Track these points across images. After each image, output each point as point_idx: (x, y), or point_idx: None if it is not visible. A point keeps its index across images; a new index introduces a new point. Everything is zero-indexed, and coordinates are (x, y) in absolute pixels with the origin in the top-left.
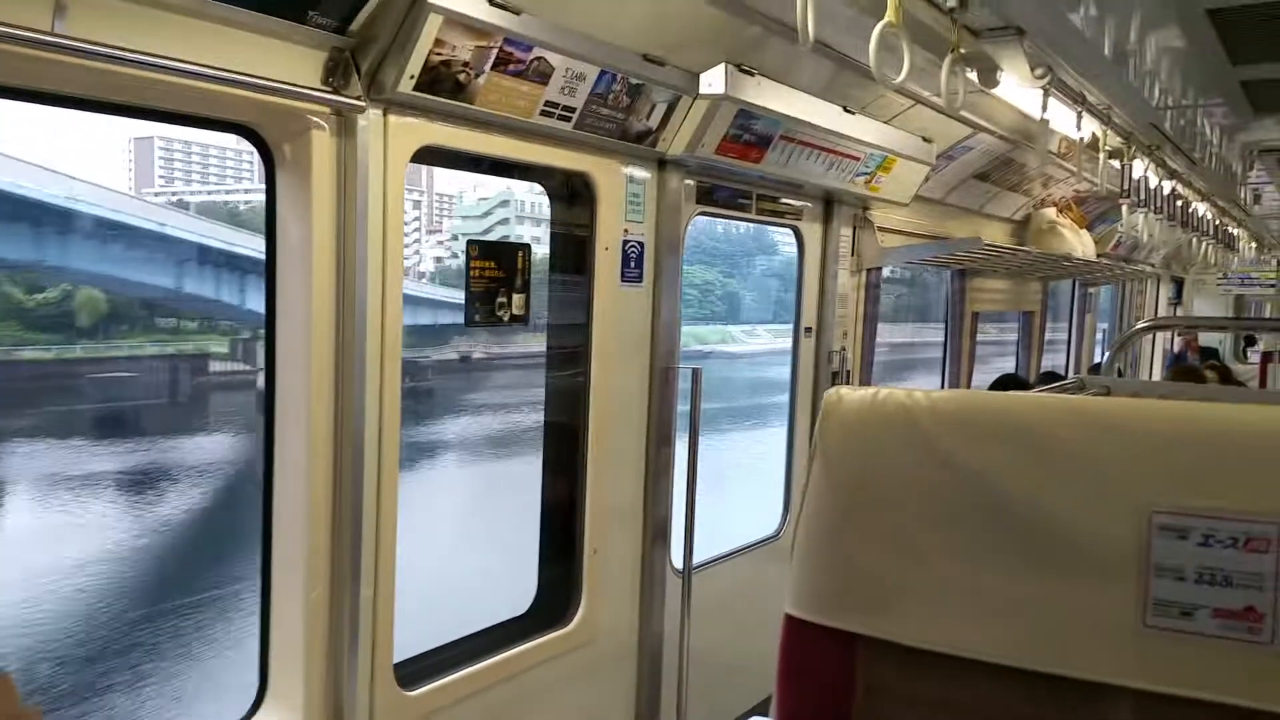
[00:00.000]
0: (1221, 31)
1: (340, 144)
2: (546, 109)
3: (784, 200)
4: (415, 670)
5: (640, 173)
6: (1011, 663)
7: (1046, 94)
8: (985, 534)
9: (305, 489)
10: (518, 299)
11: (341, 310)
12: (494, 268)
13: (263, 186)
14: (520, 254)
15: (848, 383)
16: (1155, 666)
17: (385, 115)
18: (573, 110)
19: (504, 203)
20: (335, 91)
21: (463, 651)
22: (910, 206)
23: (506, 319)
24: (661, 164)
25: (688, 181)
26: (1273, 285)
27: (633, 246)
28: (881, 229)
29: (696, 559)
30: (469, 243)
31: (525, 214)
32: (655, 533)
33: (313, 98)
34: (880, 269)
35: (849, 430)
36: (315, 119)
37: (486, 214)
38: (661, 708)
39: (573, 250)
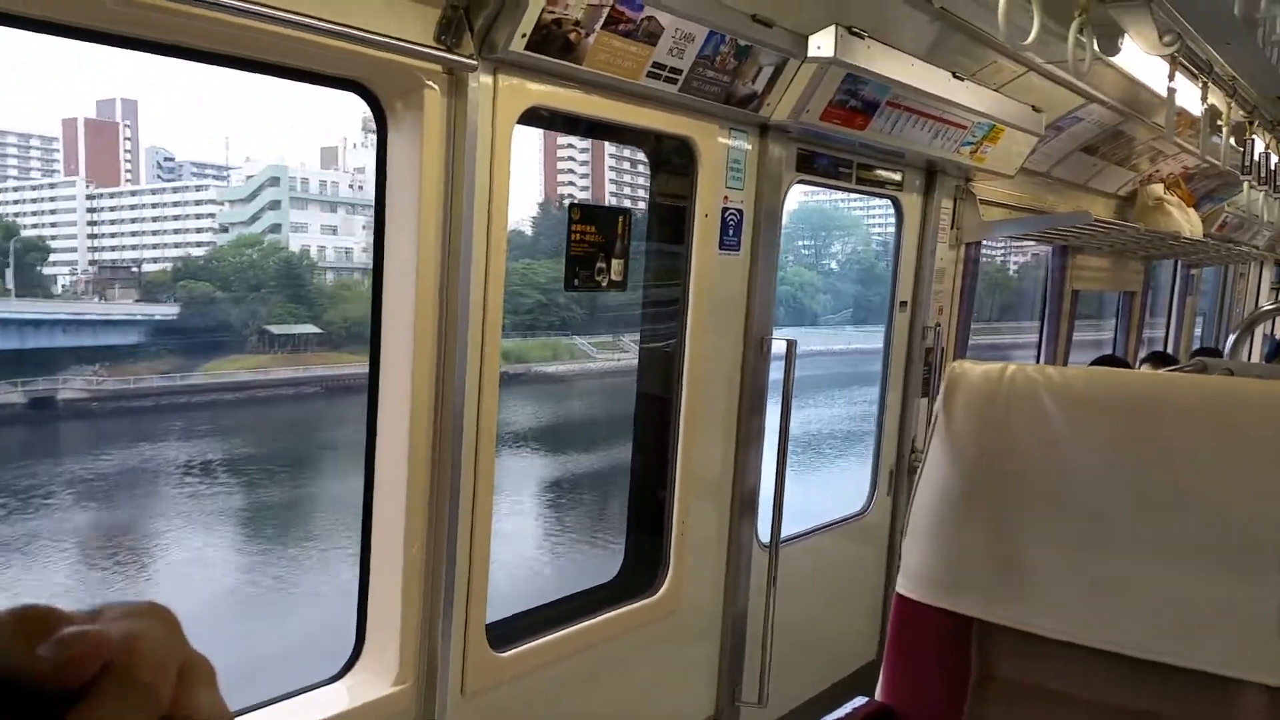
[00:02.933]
0: None
1: (451, 104)
2: (654, 70)
3: (884, 170)
4: (506, 632)
5: (741, 140)
6: (1141, 654)
7: (1174, 63)
8: (1120, 519)
9: (406, 450)
10: (616, 264)
11: (447, 273)
12: (594, 232)
13: None
14: (621, 219)
15: (941, 360)
16: None
17: (495, 75)
18: (679, 72)
19: (274, 180)
20: (448, 50)
21: (551, 616)
22: (1014, 179)
23: (605, 284)
24: (763, 130)
25: (788, 149)
26: None
27: (732, 214)
28: (983, 201)
29: (783, 533)
30: (570, 206)
31: (307, 195)
32: (743, 505)
33: (426, 55)
34: (980, 243)
35: (973, 406)
36: (427, 78)
37: (253, 196)
38: (744, 680)
39: (671, 217)
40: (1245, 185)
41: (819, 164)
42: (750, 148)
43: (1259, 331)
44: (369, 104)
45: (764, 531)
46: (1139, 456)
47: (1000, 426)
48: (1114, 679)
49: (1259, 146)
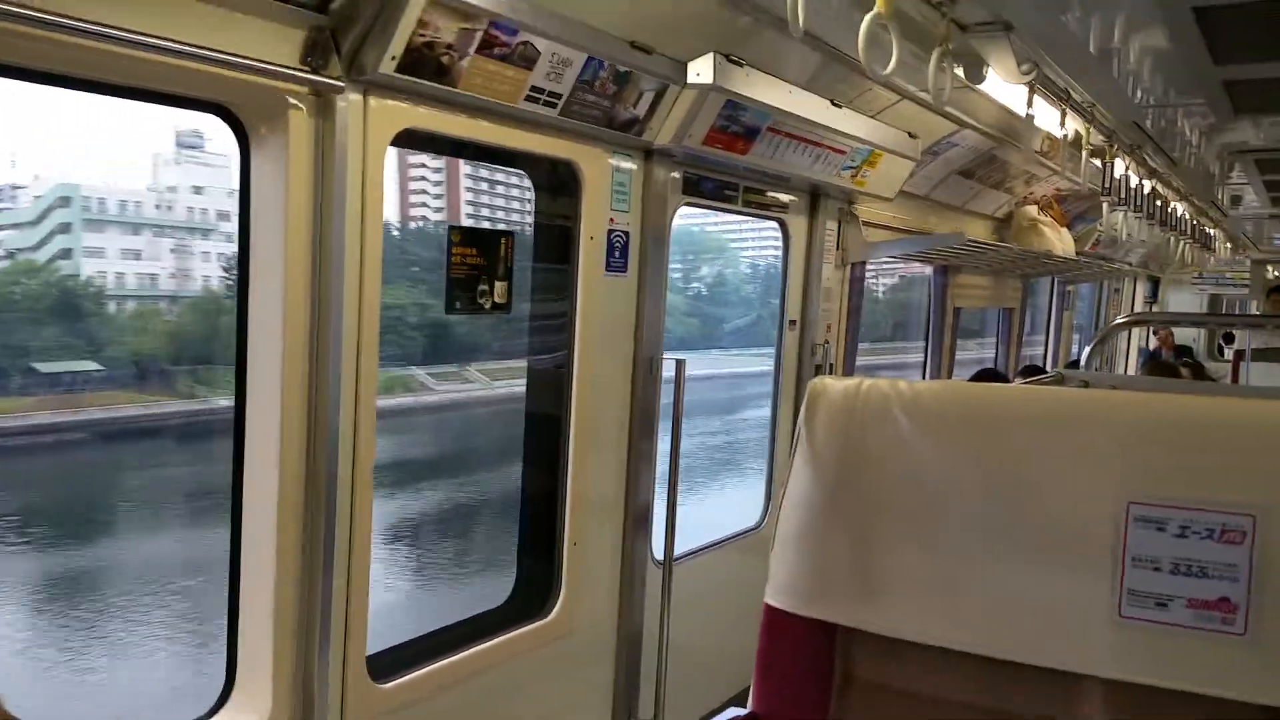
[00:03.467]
0: (1206, 30)
1: (318, 125)
2: (532, 94)
3: (770, 193)
4: (389, 663)
5: (626, 162)
6: (987, 653)
7: (1032, 90)
8: (966, 525)
9: (276, 479)
10: (500, 286)
11: (317, 297)
12: (475, 254)
13: None
14: (504, 241)
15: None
16: (1128, 657)
17: (366, 97)
18: (559, 96)
19: (64, 200)
20: (314, 71)
21: (438, 643)
22: (894, 202)
23: (488, 306)
24: (648, 154)
25: (674, 172)
26: (1246, 285)
27: (618, 236)
28: (866, 224)
29: (677, 550)
30: (450, 229)
31: (102, 215)
32: (636, 524)
33: (290, 77)
34: (864, 263)
35: (833, 420)
36: (293, 99)
37: (41, 218)
38: (640, 699)
39: (556, 239)
40: (1105, 206)
41: (705, 187)
42: (635, 169)
43: (1134, 343)
44: (231, 127)
45: (658, 549)
46: (983, 464)
47: (857, 439)
48: (967, 677)
49: (1120, 168)
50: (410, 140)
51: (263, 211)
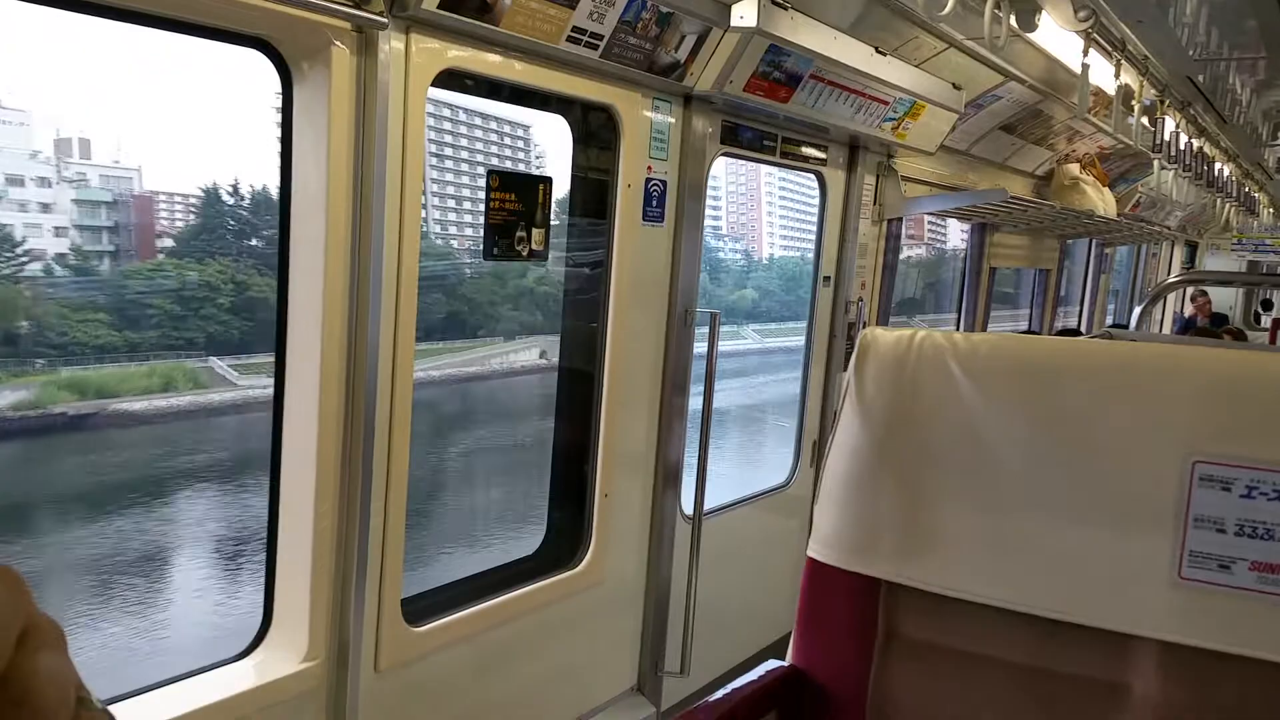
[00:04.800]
0: None
1: (360, 63)
2: (574, 34)
3: (808, 145)
4: (423, 606)
5: (665, 108)
6: (1039, 612)
7: (1088, 40)
8: (1019, 480)
9: (316, 421)
10: (537, 234)
11: (358, 236)
12: (514, 200)
13: None
14: (541, 187)
15: None
16: (1187, 620)
17: (408, 34)
18: (600, 38)
19: None
20: (357, 6)
21: (471, 589)
22: (935, 157)
23: (525, 253)
24: (687, 101)
25: (713, 121)
26: None
27: (655, 185)
28: (904, 179)
29: (707, 505)
30: (489, 173)
31: None
32: (666, 478)
33: (334, 11)
34: (901, 219)
35: (883, 371)
36: (335, 36)
37: None
38: (667, 651)
39: (594, 190)
40: (1155, 164)
41: (743, 137)
42: (674, 119)
43: (1169, 310)
44: (274, 62)
45: (688, 504)
46: (1040, 419)
47: (909, 392)
48: (1015, 636)
49: (1169, 126)
50: (449, 80)
51: (304, 150)
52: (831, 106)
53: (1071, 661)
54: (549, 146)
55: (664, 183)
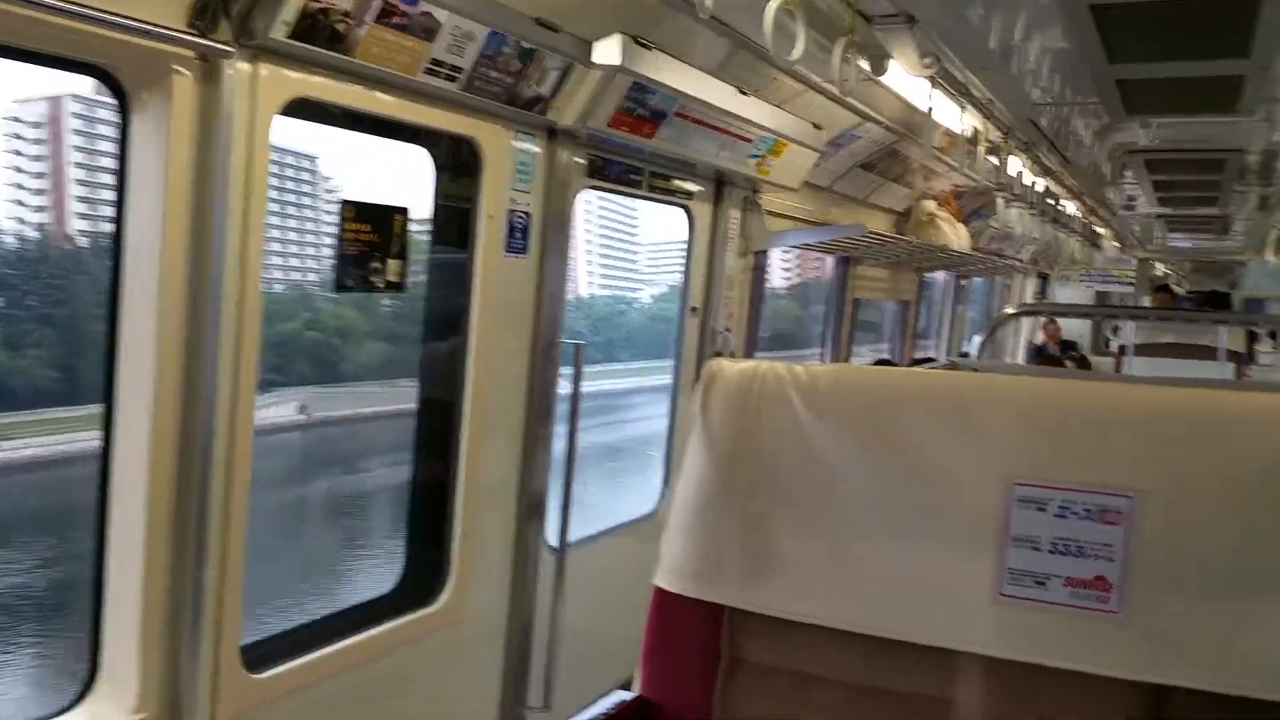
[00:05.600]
0: (1102, 29)
1: (204, 92)
2: (432, 67)
3: (675, 179)
4: (266, 653)
5: (529, 141)
6: (873, 632)
7: (933, 84)
8: (856, 506)
9: (147, 465)
10: (394, 264)
11: (197, 274)
12: (369, 231)
13: None
14: (397, 217)
15: None
16: (1007, 635)
17: (255, 63)
18: (460, 70)
19: None
20: (201, 35)
21: (319, 633)
22: (799, 193)
23: (381, 285)
24: (551, 134)
25: (578, 154)
26: (1132, 283)
27: (519, 217)
28: (770, 213)
29: (573, 536)
30: (343, 204)
31: None
32: (530, 510)
33: (175, 39)
34: (766, 252)
35: (728, 401)
36: (177, 64)
37: None
38: (530, 687)
39: (456, 220)
40: (1000, 202)
41: (611, 170)
42: (538, 151)
43: (1023, 338)
44: (112, 90)
45: (553, 535)
46: (875, 447)
47: (752, 421)
48: (851, 657)
49: (1015, 166)
50: (303, 111)
51: (141, 183)
52: (697, 143)
53: (902, 679)
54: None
55: (527, 214)
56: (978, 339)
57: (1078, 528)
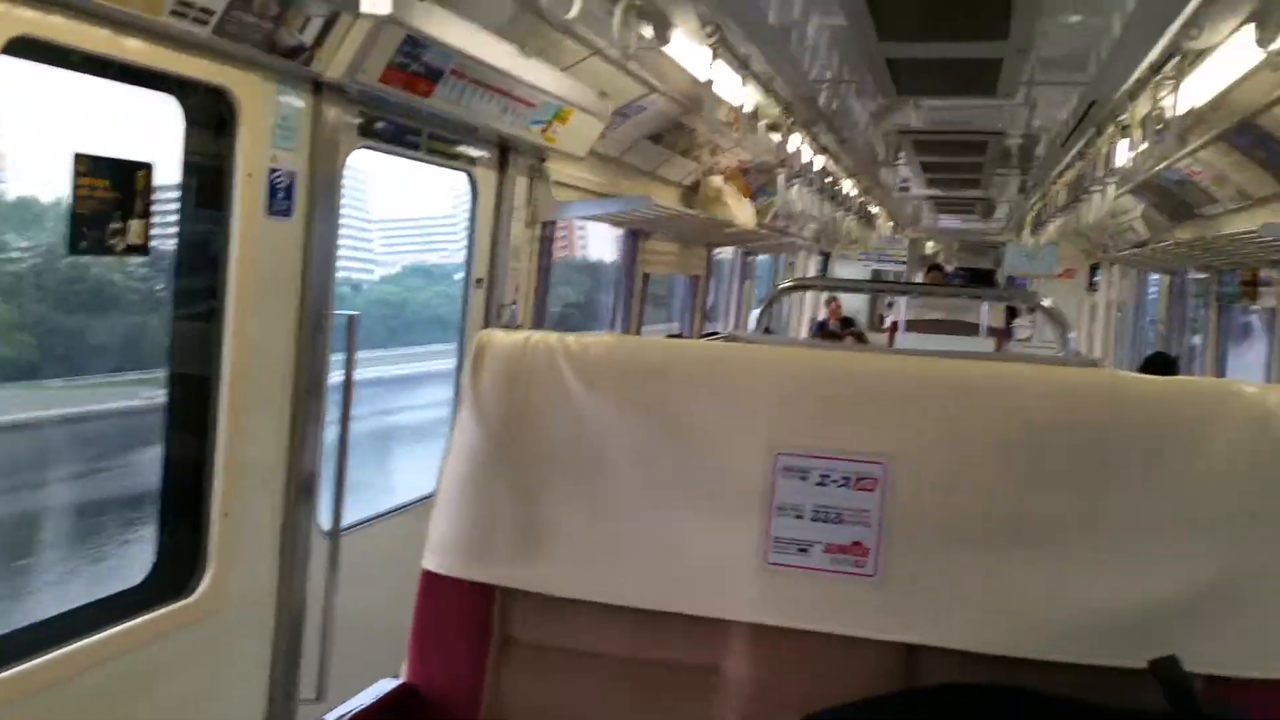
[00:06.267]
0: (874, 7)
1: None
2: (179, 8)
3: (457, 143)
4: None
5: (292, 95)
6: (643, 604)
7: (715, 55)
8: (628, 478)
9: None
10: (136, 225)
11: None
12: (107, 188)
13: None
14: (140, 174)
15: None
16: (772, 602)
17: None
18: (211, 13)
19: None
20: None
21: (52, 632)
22: (587, 163)
23: (121, 248)
24: (319, 88)
25: (349, 112)
26: (905, 261)
27: (281, 177)
28: (558, 183)
29: (348, 519)
30: (76, 156)
31: None
32: (300, 492)
33: None
34: (555, 222)
35: (498, 374)
36: None
37: None
38: (301, 679)
39: (211, 178)
40: (780, 179)
41: (386, 130)
42: (302, 105)
43: (806, 313)
44: None
45: (327, 518)
46: (645, 417)
47: (523, 393)
48: (621, 630)
49: (795, 144)
50: (33, 51)
51: None
52: (477, 105)
53: (672, 650)
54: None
55: (292, 174)
56: (755, 313)
57: (837, 495)
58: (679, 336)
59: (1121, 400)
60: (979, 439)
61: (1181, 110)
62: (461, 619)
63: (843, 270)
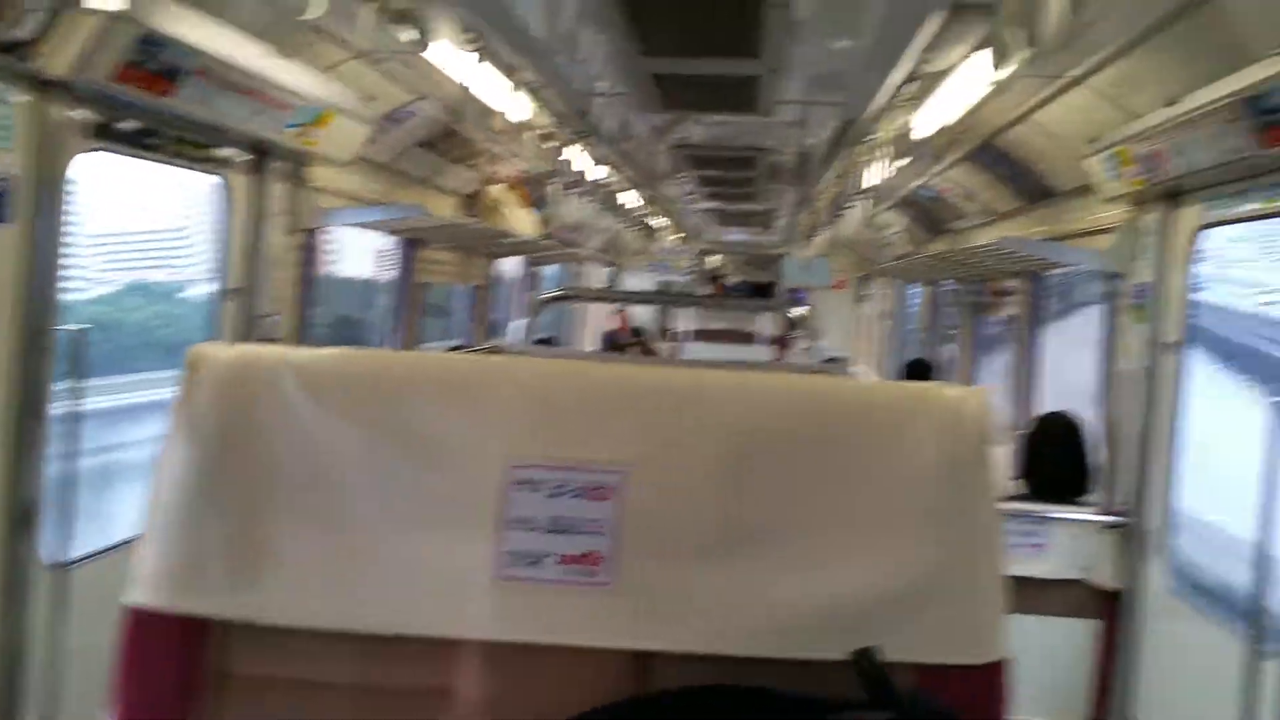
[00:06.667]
0: (637, 21)
1: None
2: None
3: (206, 146)
4: None
5: (6, 92)
6: (373, 629)
7: (481, 60)
8: (359, 496)
9: None
10: None
11: None
12: None
13: None
14: None
15: None
16: (505, 618)
17: None
18: None
19: None
20: None
21: None
22: (359, 170)
23: None
24: (42, 85)
25: (77, 110)
26: (690, 273)
27: None
28: (327, 191)
29: (78, 551)
30: None
31: None
32: (19, 522)
33: None
34: (317, 231)
35: (214, 391)
36: None
37: None
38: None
39: None
40: (557, 189)
41: (124, 132)
42: (21, 103)
43: (593, 324)
44: None
45: (52, 549)
46: (380, 433)
47: (243, 410)
48: (353, 657)
49: (573, 155)
50: None
51: None
52: (226, 106)
53: (403, 675)
54: None
55: (9, 177)
56: (519, 323)
57: (571, 505)
58: (460, 348)
59: (834, 405)
60: (709, 446)
61: (925, 131)
62: (170, 657)
63: (631, 281)
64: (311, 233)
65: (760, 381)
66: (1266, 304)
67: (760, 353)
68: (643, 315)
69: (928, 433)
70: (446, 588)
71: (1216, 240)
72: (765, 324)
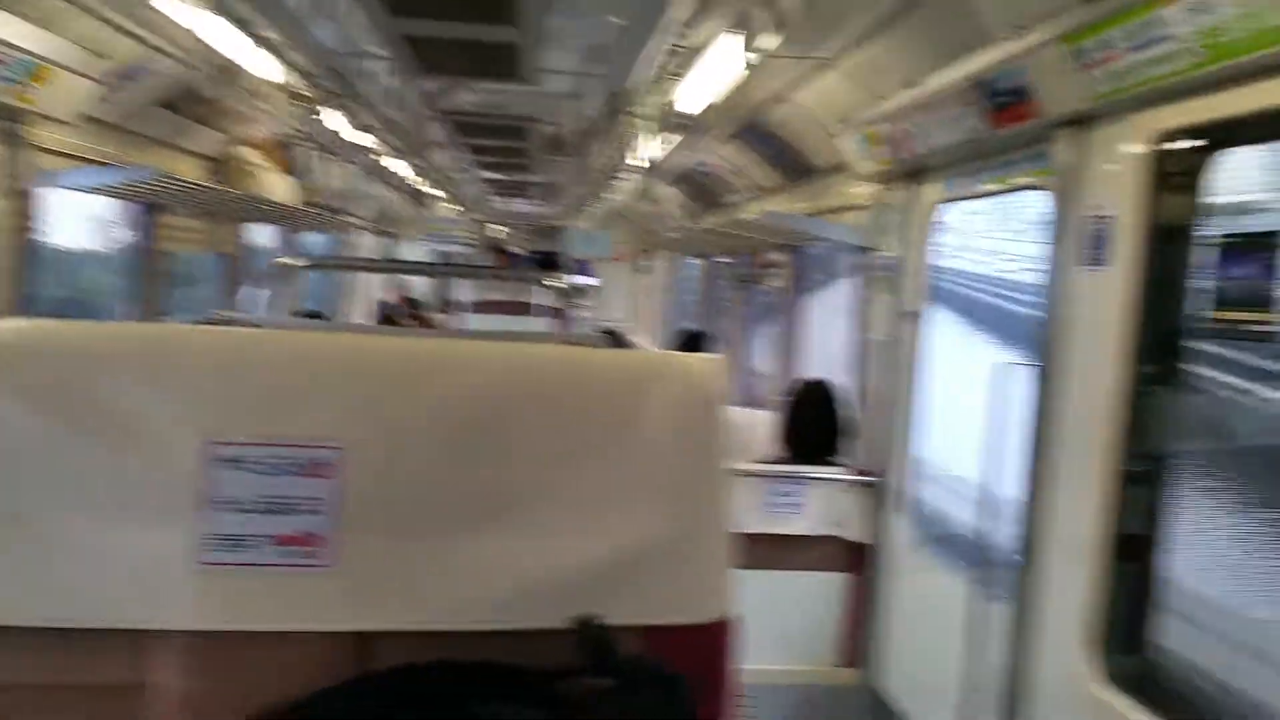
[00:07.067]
0: None
1: None
2: None
3: None
4: None
5: None
6: (61, 624)
7: (217, 17)
8: (38, 482)
9: None
10: None
11: None
12: None
13: None
14: None
15: None
16: (209, 606)
17: None
18: None
19: None
20: None
21: None
22: (90, 130)
23: None
24: None
25: None
26: (473, 244)
27: None
28: (53, 152)
29: None
30: None
31: None
32: None
33: None
34: (37, 193)
35: None
36: None
37: None
38: None
39: None
40: (312, 155)
41: None
42: None
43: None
44: None
45: None
46: (67, 411)
47: None
48: (42, 655)
49: (332, 120)
50: None
51: None
52: None
53: (92, 671)
54: None
55: None
56: (259, 292)
57: (284, 484)
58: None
59: (571, 375)
60: (436, 419)
61: (691, 107)
62: None
63: (410, 252)
64: (29, 196)
65: (495, 351)
66: (1004, 270)
67: (537, 324)
68: (421, 287)
69: (660, 400)
70: (142, 577)
71: (962, 214)
72: (546, 296)
